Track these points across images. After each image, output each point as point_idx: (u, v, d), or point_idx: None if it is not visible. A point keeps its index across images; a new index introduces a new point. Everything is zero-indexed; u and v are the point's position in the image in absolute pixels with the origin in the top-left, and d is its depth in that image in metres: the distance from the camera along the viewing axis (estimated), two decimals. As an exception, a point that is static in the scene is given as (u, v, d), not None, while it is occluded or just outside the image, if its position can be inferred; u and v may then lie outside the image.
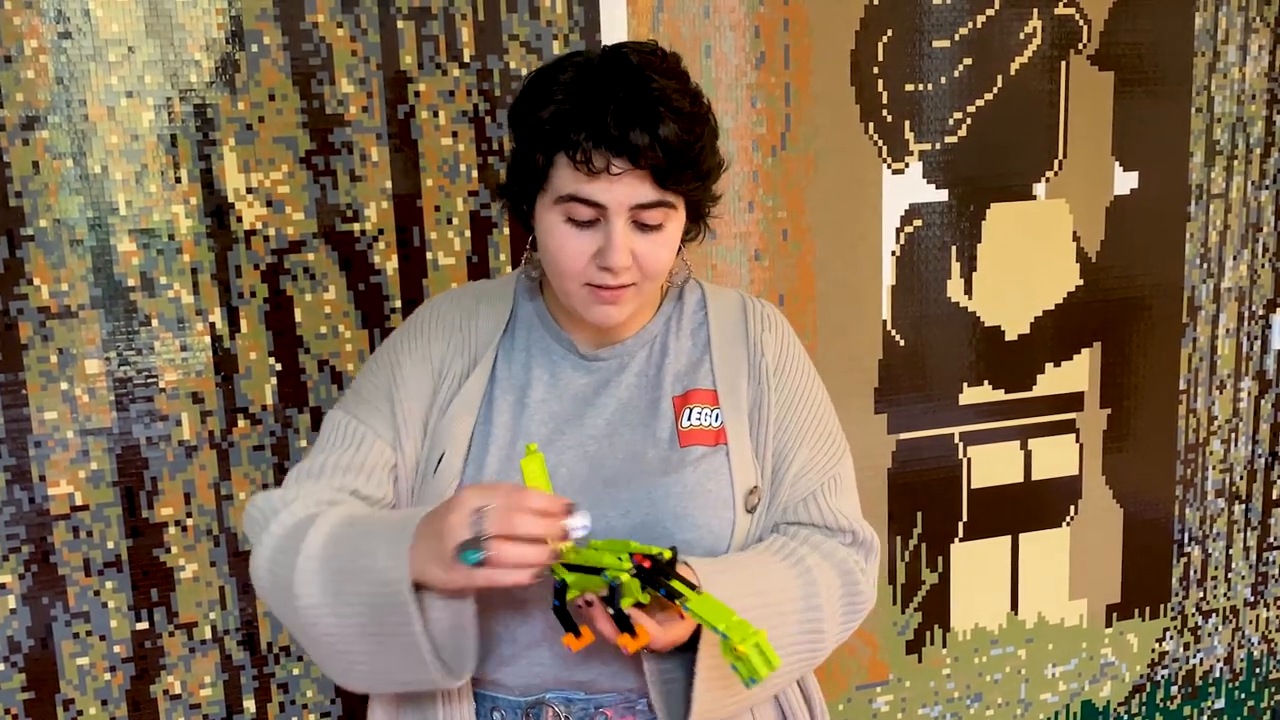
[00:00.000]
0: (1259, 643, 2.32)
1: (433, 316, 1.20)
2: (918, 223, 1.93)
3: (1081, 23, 1.95)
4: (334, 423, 1.18)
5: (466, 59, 1.66)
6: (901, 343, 1.95)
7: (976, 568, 2.07)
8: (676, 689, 1.10)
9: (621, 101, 1.02)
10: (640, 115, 1.02)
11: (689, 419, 1.16)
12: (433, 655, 1.02)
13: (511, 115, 1.11)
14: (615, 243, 1.05)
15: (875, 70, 1.85)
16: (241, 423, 1.65)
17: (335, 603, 1.04)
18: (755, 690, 1.11)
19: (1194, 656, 2.27)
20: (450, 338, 1.18)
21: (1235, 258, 2.14)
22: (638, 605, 1.00)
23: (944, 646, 2.08)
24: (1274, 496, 2.26)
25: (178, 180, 1.58)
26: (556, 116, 1.04)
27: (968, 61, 1.90)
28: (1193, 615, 2.25)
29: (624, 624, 0.99)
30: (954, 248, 1.96)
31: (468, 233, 1.70)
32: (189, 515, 1.65)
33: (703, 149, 1.07)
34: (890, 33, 1.85)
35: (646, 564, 0.98)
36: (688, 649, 1.08)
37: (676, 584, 0.98)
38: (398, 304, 1.68)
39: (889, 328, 1.94)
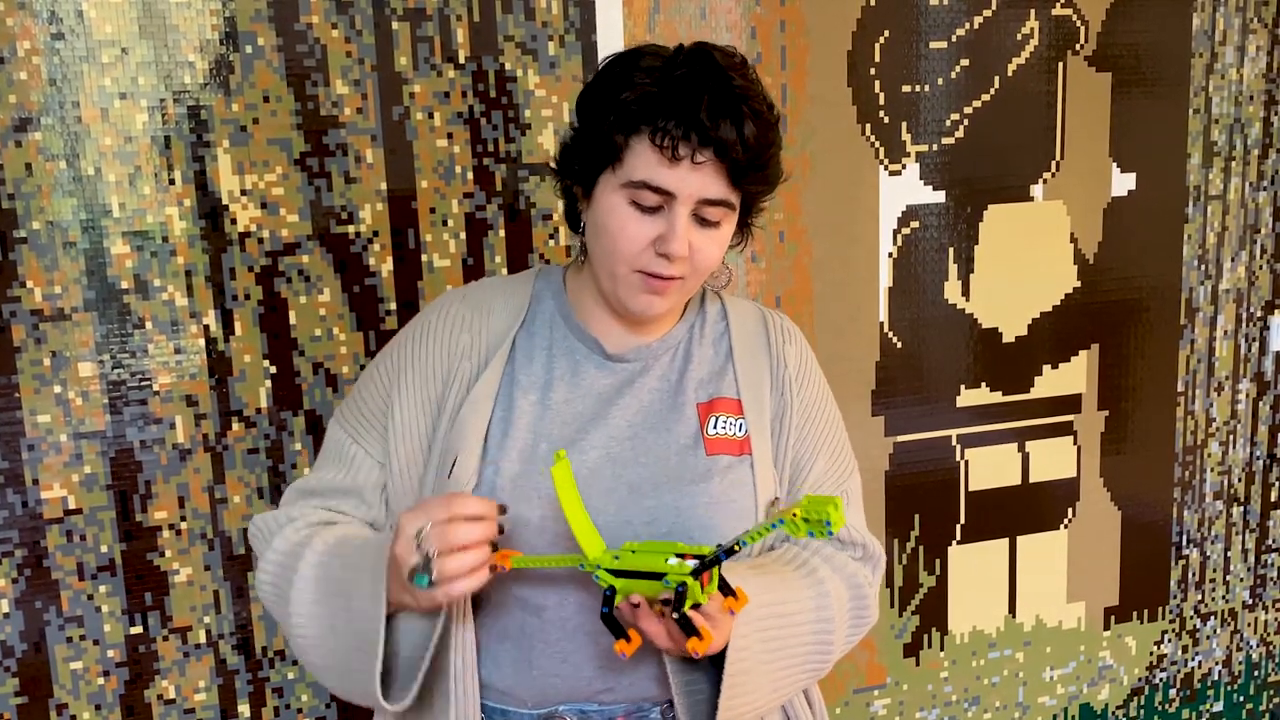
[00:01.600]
0: (1257, 645, 2.31)
1: (440, 319, 1.18)
2: (915, 224, 1.92)
3: (1079, 24, 1.94)
4: (333, 438, 1.20)
5: (461, 60, 1.65)
6: (899, 345, 1.95)
7: (974, 570, 2.07)
8: (701, 696, 1.10)
9: (714, 94, 1.04)
10: (729, 110, 1.03)
11: (714, 427, 1.15)
12: (382, 702, 1.07)
13: (585, 95, 1.12)
14: (678, 231, 1.06)
15: (872, 71, 1.85)
16: (236, 426, 1.64)
17: (324, 647, 1.11)
18: (770, 695, 1.12)
19: (1192, 659, 2.27)
20: (457, 341, 1.16)
21: (1233, 259, 2.13)
22: (694, 606, 1.01)
23: (942, 649, 2.07)
24: (1272, 499, 2.26)
25: (171, 182, 1.57)
26: (644, 99, 1.05)
27: (965, 63, 1.89)
28: (1191, 618, 2.24)
29: (687, 627, 0.99)
30: (951, 249, 1.95)
31: (463, 234, 1.70)
32: (183, 519, 1.64)
33: (774, 155, 1.10)
34: (887, 34, 1.84)
35: (697, 561, 0.99)
36: (711, 659, 1.08)
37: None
38: (393, 306, 1.68)
39: (886, 330, 1.94)
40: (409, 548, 0.99)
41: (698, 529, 1.10)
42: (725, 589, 1.01)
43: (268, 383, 1.65)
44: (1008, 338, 2.02)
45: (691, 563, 0.98)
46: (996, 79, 1.92)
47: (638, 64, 1.07)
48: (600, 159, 1.08)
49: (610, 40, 1.70)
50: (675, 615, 0.98)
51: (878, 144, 1.88)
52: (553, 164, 1.18)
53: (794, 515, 0.95)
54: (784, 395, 1.19)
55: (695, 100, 1.03)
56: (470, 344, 1.16)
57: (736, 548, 0.99)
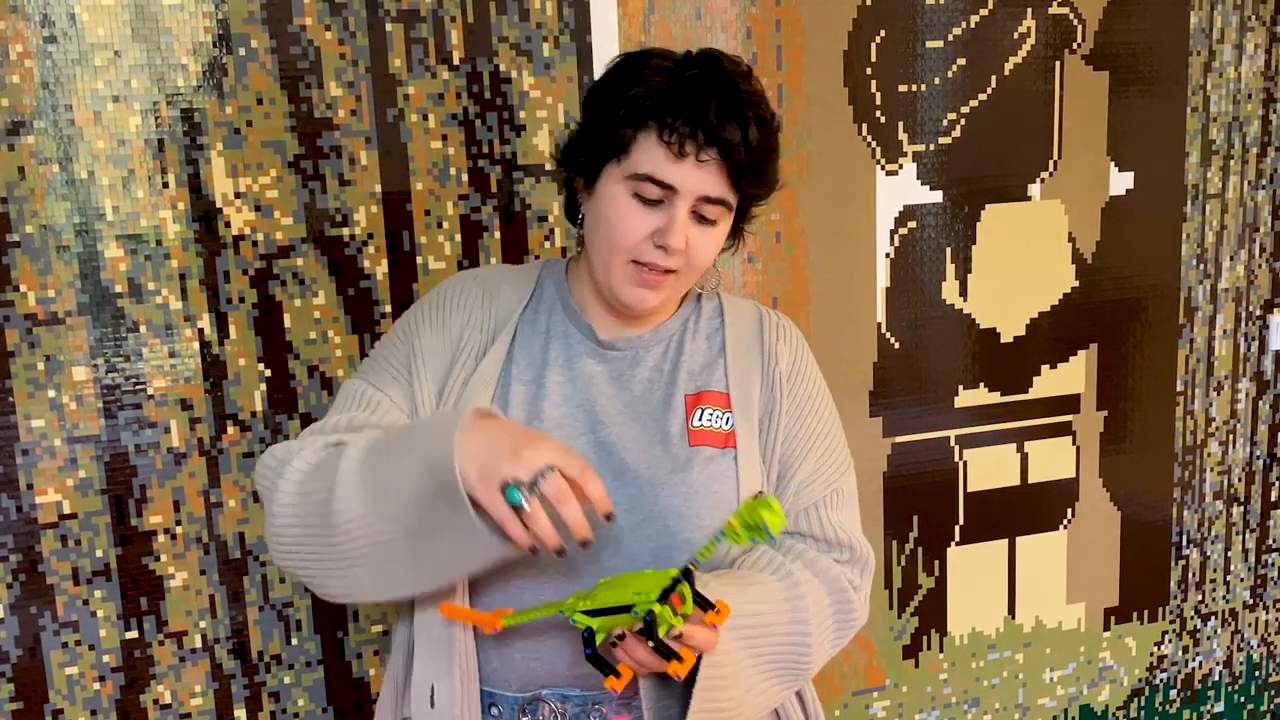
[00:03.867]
0: (1258, 646, 2.31)
1: (454, 291, 1.22)
2: (912, 224, 1.92)
3: (1076, 22, 1.94)
4: (350, 389, 1.20)
5: (456, 61, 1.65)
6: (896, 345, 1.94)
7: (973, 572, 2.06)
8: (671, 703, 1.10)
9: (721, 97, 1.08)
10: (735, 113, 1.08)
11: (700, 419, 1.17)
12: (488, 530, 0.99)
13: (594, 91, 1.15)
14: (677, 224, 1.09)
15: (868, 71, 1.84)
16: (231, 429, 1.64)
17: (380, 505, 1.02)
18: (745, 696, 1.12)
19: (1193, 660, 2.26)
20: (470, 312, 1.20)
21: (1232, 258, 2.12)
22: (670, 631, 1.01)
23: (941, 651, 2.07)
24: (1272, 498, 2.25)
25: (165, 185, 1.56)
26: (654, 96, 1.09)
27: (961, 62, 1.89)
28: (1191, 618, 2.23)
29: (666, 651, 0.99)
30: (949, 249, 1.94)
31: (458, 236, 1.69)
32: (178, 523, 1.64)
33: (773, 160, 1.14)
34: (883, 33, 1.84)
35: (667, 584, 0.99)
36: (688, 683, 1.08)
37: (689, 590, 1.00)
38: (388, 309, 1.67)
39: (884, 330, 1.93)
40: (534, 464, 0.96)
41: (674, 517, 1.12)
42: (704, 603, 1.01)
43: (263, 386, 1.64)
44: (1006, 338, 2.01)
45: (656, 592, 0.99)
46: (993, 78, 1.91)
47: (648, 63, 1.12)
48: (606, 151, 1.12)
49: (605, 41, 1.69)
50: (651, 644, 0.98)
51: (874, 144, 1.87)
52: (555, 156, 1.21)
53: (732, 525, 0.98)
54: (774, 392, 1.20)
55: (704, 101, 1.07)
56: (482, 316, 1.20)
57: (691, 567, 1.00)
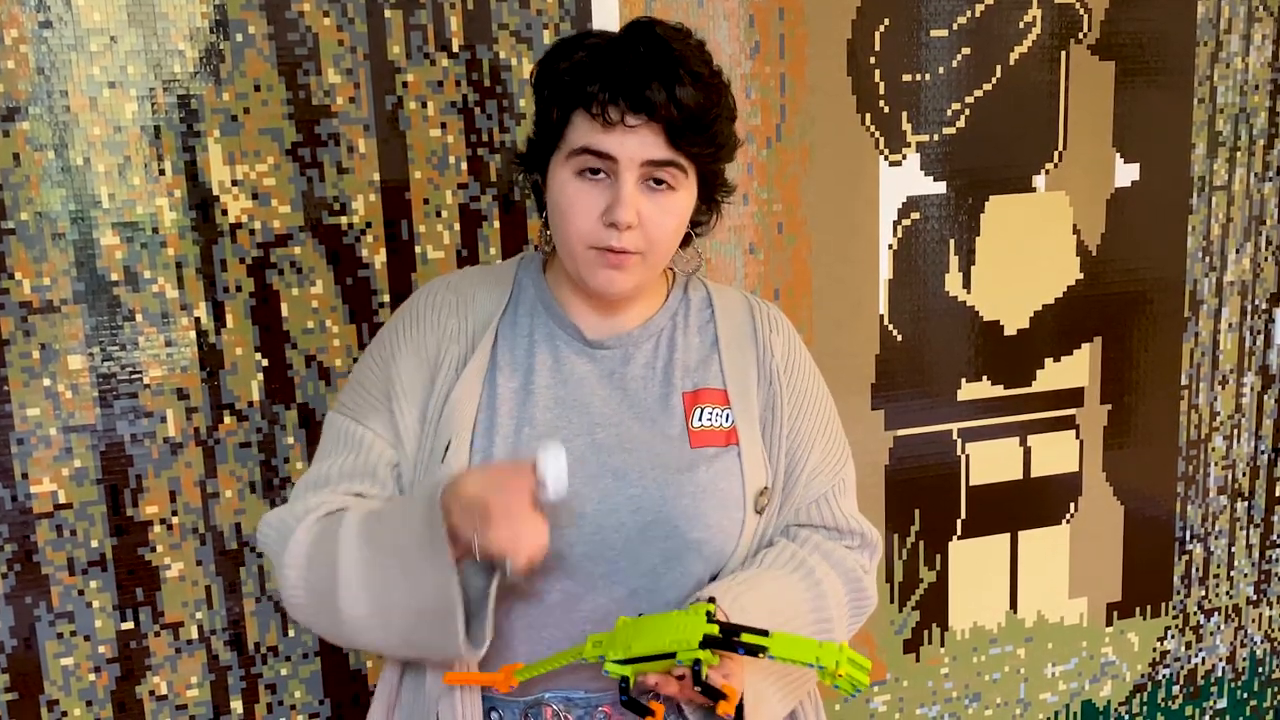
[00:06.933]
0: (1261, 642, 2.29)
1: (428, 303, 1.19)
2: (915, 215, 1.90)
3: (1082, 11, 1.92)
4: (334, 427, 1.18)
5: (455, 49, 1.63)
6: (899, 338, 1.93)
7: (975, 566, 2.05)
8: None
9: (642, 58, 1.05)
10: (659, 73, 1.05)
11: (700, 419, 1.15)
12: (471, 652, 1.05)
13: (534, 76, 1.13)
14: (623, 196, 1.06)
15: (872, 60, 1.83)
16: (228, 419, 1.63)
17: (385, 620, 1.07)
18: (779, 704, 1.16)
19: (1196, 655, 2.25)
20: (445, 324, 1.17)
21: (1238, 251, 2.11)
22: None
23: (942, 646, 2.06)
24: (1277, 493, 2.24)
25: (161, 173, 1.55)
26: (575, 69, 1.07)
27: (966, 51, 1.87)
28: (1194, 614, 2.22)
29: (713, 694, 1.01)
30: (952, 241, 1.93)
31: (457, 225, 1.68)
32: (174, 513, 1.62)
33: (718, 116, 1.09)
34: (887, 22, 1.82)
35: (711, 628, 1.00)
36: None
37: (748, 638, 1.00)
38: (386, 298, 1.66)
39: (886, 322, 1.92)
40: (470, 521, 0.99)
41: (682, 518, 1.11)
42: (751, 650, 1.02)
43: (259, 376, 1.63)
44: (1009, 330, 1.99)
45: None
46: (998, 68, 1.89)
47: (581, 42, 1.10)
48: (548, 140, 1.11)
49: (606, 28, 1.67)
50: (698, 689, 0.99)
51: (878, 134, 1.86)
52: (514, 162, 1.20)
53: (837, 674, 0.97)
54: (773, 385, 1.19)
55: (624, 64, 1.04)
56: (458, 327, 1.17)
57: (710, 607, 1.01)
